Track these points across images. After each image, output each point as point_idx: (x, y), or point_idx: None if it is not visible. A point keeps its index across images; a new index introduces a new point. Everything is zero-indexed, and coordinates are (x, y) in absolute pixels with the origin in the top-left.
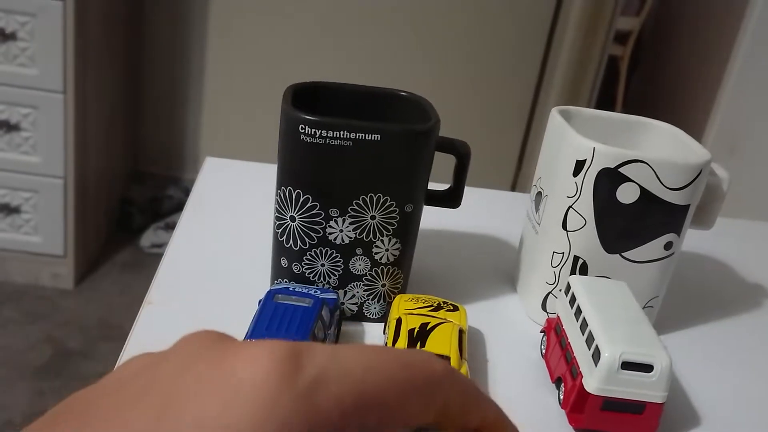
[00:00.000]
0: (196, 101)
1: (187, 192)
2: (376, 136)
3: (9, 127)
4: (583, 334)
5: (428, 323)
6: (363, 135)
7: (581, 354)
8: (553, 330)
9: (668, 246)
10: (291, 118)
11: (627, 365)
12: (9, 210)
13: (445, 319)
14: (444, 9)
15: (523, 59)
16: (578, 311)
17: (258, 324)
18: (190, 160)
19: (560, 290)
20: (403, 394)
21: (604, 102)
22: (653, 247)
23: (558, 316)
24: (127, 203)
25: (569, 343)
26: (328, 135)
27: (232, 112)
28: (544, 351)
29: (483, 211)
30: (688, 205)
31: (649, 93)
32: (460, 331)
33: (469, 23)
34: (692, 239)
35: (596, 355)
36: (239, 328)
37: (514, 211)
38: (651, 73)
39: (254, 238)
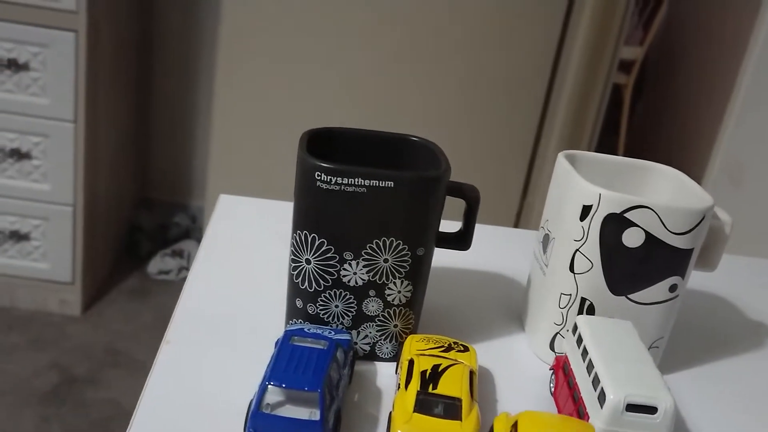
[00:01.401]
0: (204, 130)
1: (194, 219)
2: (389, 183)
3: (20, 155)
4: (589, 375)
5: (440, 365)
6: (377, 182)
7: (588, 394)
8: (561, 369)
9: (673, 288)
10: (307, 165)
11: (632, 407)
12: (18, 237)
13: (456, 360)
14: (446, 38)
15: (528, 88)
16: (585, 352)
17: (276, 365)
18: (197, 187)
19: (568, 330)
20: None
21: (607, 130)
22: (658, 290)
23: (566, 355)
24: (135, 230)
25: (576, 383)
26: (343, 182)
27: (240, 142)
28: (553, 389)
29: (490, 249)
30: (692, 249)
31: (652, 122)
32: (471, 373)
33: (473, 45)
34: (696, 278)
35: (602, 397)
36: (256, 367)
37: (520, 247)
38: (654, 102)
39: (269, 277)
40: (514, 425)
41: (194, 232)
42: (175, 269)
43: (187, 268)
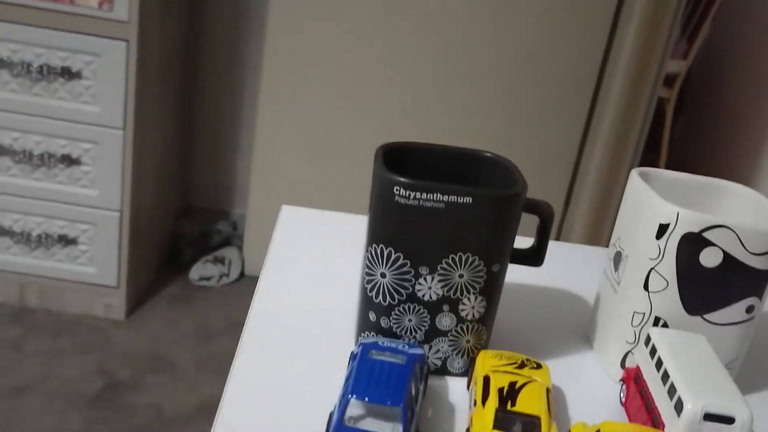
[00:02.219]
0: (247, 138)
1: (235, 227)
2: (468, 199)
3: (70, 161)
4: (664, 385)
5: (516, 382)
6: (455, 198)
7: (663, 404)
8: (633, 380)
9: (750, 309)
10: (386, 180)
11: (709, 417)
12: (67, 241)
13: (531, 377)
14: (490, 51)
15: (572, 102)
16: (659, 362)
17: (358, 379)
18: (239, 195)
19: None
20: None
21: (647, 144)
22: (735, 311)
23: (638, 366)
24: (178, 237)
25: (650, 392)
26: (422, 197)
27: (284, 150)
28: (623, 399)
29: (556, 265)
30: None
31: (693, 137)
32: (547, 390)
33: (517, 58)
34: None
35: (678, 406)
36: (330, 380)
37: (586, 265)
38: (695, 117)
39: (336, 289)
40: None
41: (235, 239)
42: (216, 276)
43: (228, 275)
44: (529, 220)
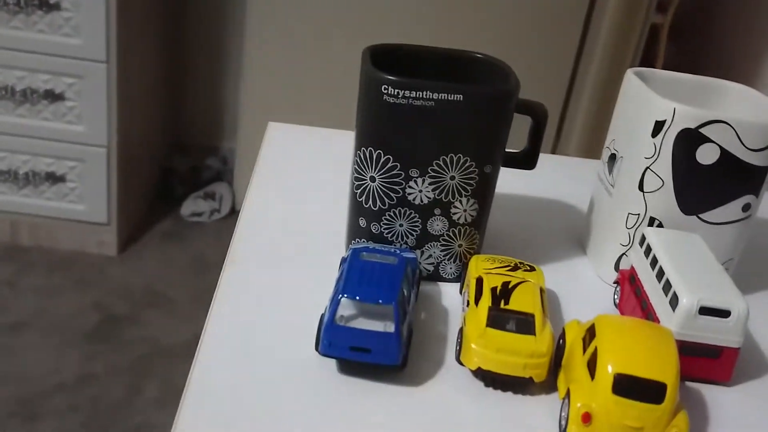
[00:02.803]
0: (235, 71)
1: (225, 162)
2: (458, 96)
3: (54, 96)
4: (659, 283)
5: (509, 282)
6: (446, 95)
7: (658, 301)
8: (627, 280)
9: (746, 208)
10: (373, 79)
11: (705, 310)
12: (54, 179)
13: (524, 278)
14: None
15: (565, 26)
16: (654, 261)
17: (348, 280)
18: (228, 130)
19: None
20: None
21: None
22: (731, 209)
23: (632, 267)
24: (168, 173)
25: (645, 291)
26: (411, 95)
27: (272, 83)
28: (618, 301)
29: (552, 175)
30: None
31: (686, 64)
32: (541, 290)
33: None
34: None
35: (674, 301)
36: (321, 285)
37: (580, 175)
38: (688, 44)
39: (325, 199)
40: (590, 329)
41: (226, 174)
42: (207, 211)
43: (219, 211)
44: (522, 132)
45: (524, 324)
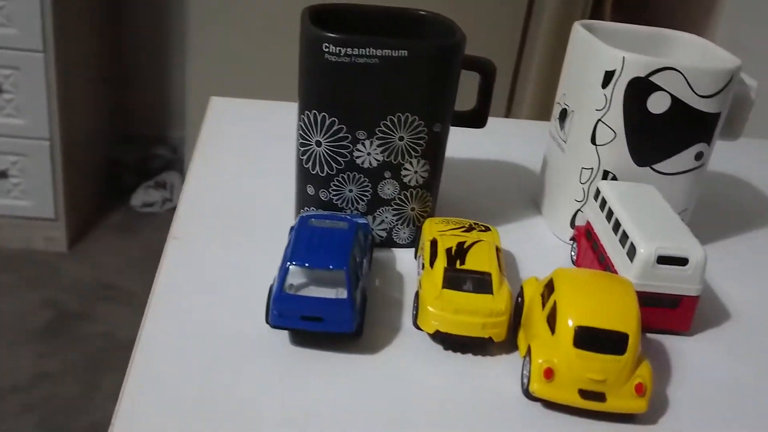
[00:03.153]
0: (178, 58)
1: (174, 150)
2: (403, 52)
3: None
4: (616, 235)
5: (464, 242)
6: (390, 52)
7: (615, 254)
8: (584, 236)
9: (699, 156)
10: (313, 37)
11: (662, 259)
12: None
13: (479, 238)
14: None
15: None
16: (609, 213)
17: (296, 247)
18: (176, 118)
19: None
20: None
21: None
22: (684, 158)
23: (588, 222)
24: (116, 164)
25: (602, 245)
26: (354, 53)
27: (217, 66)
28: (575, 258)
29: (504, 138)
30: (719, 113)
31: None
32: (497, 249)
33: None
34: (718, 158)
35: (631, 252)
36: (270, 257)
37: (536, 137)
38: (635, 13)
39: (272, 170)
40: (548, 284)
41: (176, 163)
42: (159, 201)
43: (171, 200)
44: (473, 92)
45: (481, 283)
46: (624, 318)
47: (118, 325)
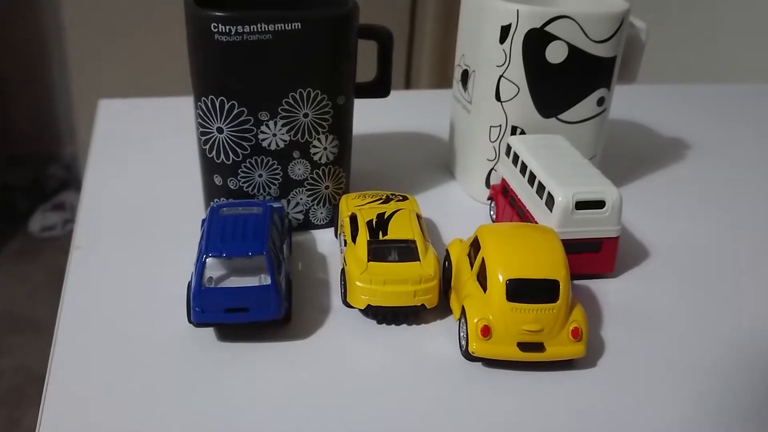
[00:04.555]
0: (60, 72)
1: (69, 169)
2: (296, 24)
3: None
4: (532, 187)
5: (384, 212)
6: (282, 25)
7: (534, 206)
8: (500, 193)
9: (601, 102)
10: (200, 18)
11: (580, 204)
12: None
13: (398, 207)
14: None
15: None
16: (523, 167)
17: (210, 238)
18: (66, 134)
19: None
20: None
21: None
22: (587, 105)
23: (503, 179)
24: (7, 189)
25: (519, 200)
26: (245, 30)
27: (100, 77)
28: (494, 216)
29: (405, 110)
30: (615, 57)
31: None
32: (418, 216)
33: None
34: (617, 105)
35: (549, 202)
36: (183, 254)
37: (435, 105)
38: None
39: (175, 166)
40: (474, 243)
41: (72, 182)
42: (59, 223)
43: (72, 220)
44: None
45: (406, 251)
46: (552, 266)
47: (31, 356)
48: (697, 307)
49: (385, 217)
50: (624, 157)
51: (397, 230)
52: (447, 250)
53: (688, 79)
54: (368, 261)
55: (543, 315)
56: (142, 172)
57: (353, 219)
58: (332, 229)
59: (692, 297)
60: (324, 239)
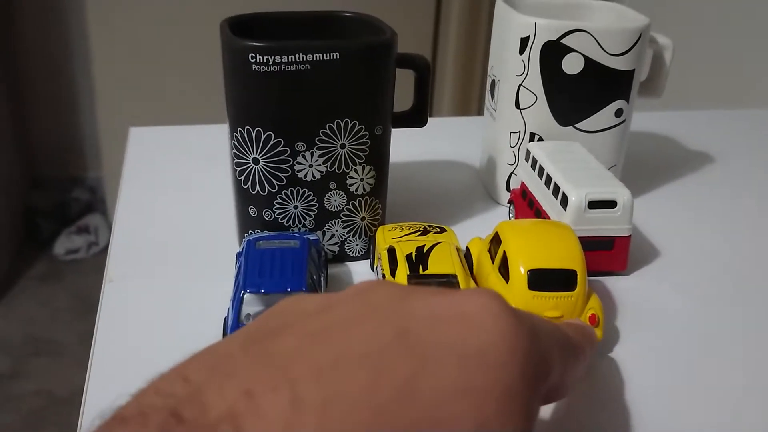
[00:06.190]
0: (87, 95)
1: (93, 192)
2: (335, 54)
3: None
4: (549, 189)
5: (423, 246)
6: (321, 55)
7: (550, 206)
8: (520, 196)
9: (619, 113)
10: (238, 48)
11: (593, 204)
12: None
13: (437, 240)
14: None
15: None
16: (541, 171)
17: (248, 273)
18: (91, 157)
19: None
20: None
21: None
22: (604, 116)
23: (522, 183)
24: (32, 212)
25: (537, 201)
26: (283, 61)
27: (127, 100)
28: (513, 217)
29: (437, 137)
30: (633, 70)
31: None
32: (458, 249)
33: None
34: (643, 120)
35: (564, 202)
36: (217, 287)
37: (463, 132)
38: None
39: (207, 196)
40: (494, 239)
41: (97, 205)
42: (84, 246)
43: (97, 243)
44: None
45: (448, 286)
46: (570, 256)
47: (54, 380)
48: (710, 307)
49: (425, 250)
50: (648, 168)
51: (437, 264)
52: (467, 247)
53: (730, 104)
54: None
55: (562, 302)
56: (175, 202)
57: (391, 252)
58: (368, 261)
59: (705, 298)
60: (360, 271)
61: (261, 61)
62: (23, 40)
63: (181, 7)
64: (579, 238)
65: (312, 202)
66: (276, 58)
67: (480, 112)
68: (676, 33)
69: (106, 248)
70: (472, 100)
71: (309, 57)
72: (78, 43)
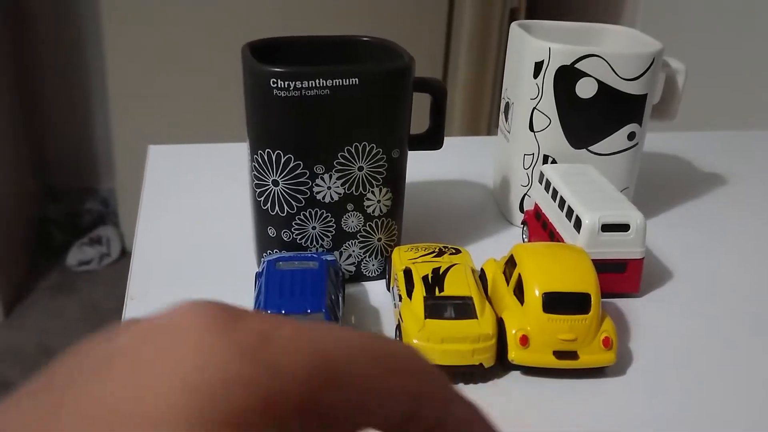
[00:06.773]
0: (100, 106)
1: (106, 203)
2: (354, 80)
3: None
4: (562, 211)
5: (439, 267)
6: (341, 81)
7: (563, 229)
8: (533, 217)
9: (631, 137)
10: (259, 73)
11: (606, 227)
12: None
13: (453, 262)
14: None
15: (430, 17)
16: (554, 193)
17: (268, 294)
18: (104, 169)
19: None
20: (380, 374)
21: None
22: (617, 139)
23: (536, 204)
24: (45, 222)
25: (550, 223)
26: (304, 86)
27: (141, 112)
28: (527, 240)
29: (450, 158)
30: (646, 95)
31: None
32: (472, 270)
33: None
34: (655, 141)
35: (577, 224)
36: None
37: (474, 152)
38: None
39: (225, 216)
40: (509, 261)
41: (109, 216)
42: (96, 258)
43: (109, 254)
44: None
45: (464, 308)
46: (584, 280)
47: None
48: (722, 330)
49: (441, 272)
50: (661, 190)
51: (453, 286)
52: (482, 269)
53: (743, 125)
54: (425, 318)
55: (576, 325)
56: (194, 221)
57: (408, 273)
58: (383, 281)
59: (717, 320)
60: (375, 291)
61: (282, 86)
62: (38, 52)
63: (194, 19)
64: (592, 260)
65: (330, 223)
66: (297, 83)
67: (490, 131)
68: (688, 54)
69: (118, 260)
70: (482, 120)
71: (329, 82)
72: (93, 57)
